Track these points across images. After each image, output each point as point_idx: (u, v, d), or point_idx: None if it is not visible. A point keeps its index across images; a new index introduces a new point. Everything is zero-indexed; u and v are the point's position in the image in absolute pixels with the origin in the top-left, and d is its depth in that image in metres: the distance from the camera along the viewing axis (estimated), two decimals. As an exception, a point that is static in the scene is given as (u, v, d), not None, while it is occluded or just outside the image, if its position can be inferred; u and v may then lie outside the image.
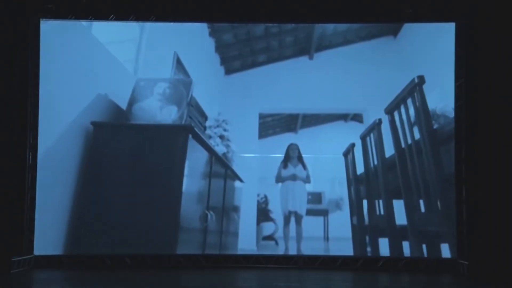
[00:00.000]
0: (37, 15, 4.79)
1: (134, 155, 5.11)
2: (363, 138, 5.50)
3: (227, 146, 5.67)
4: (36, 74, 4.75)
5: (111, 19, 4.89)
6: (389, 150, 5.40)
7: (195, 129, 5.29)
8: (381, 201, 5.36)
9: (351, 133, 5.49)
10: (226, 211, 5.66)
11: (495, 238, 4.24)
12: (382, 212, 5.34)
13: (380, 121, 5.40)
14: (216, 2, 4.87)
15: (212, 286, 4.21)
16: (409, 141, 5.22)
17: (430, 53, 5.11)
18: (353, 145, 5.46)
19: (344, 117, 5.65)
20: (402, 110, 5.30)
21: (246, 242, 5.40)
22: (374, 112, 5.43)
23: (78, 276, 4.37)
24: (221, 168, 5.77)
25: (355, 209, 5.45)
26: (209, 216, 5.37)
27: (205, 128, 5.71)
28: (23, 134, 4.70)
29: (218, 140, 5.67)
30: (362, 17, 4.96)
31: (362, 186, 5.49)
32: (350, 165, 5.52)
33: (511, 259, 4.06)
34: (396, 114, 5.36)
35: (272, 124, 5.79)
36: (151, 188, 5.04)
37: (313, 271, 4.77)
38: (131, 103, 5.29)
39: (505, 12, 4.31)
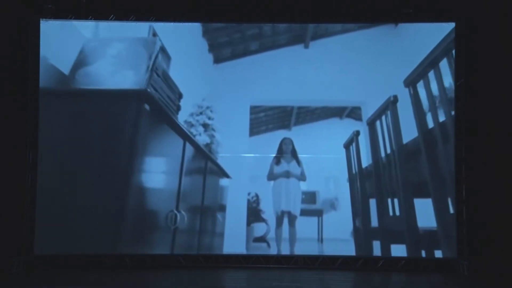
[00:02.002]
0: (37, 15, 4.79)
1: (70, 131, 4.37)
2: (371, 123, 4.95)
3: (212, 136, 5.05)
4: (36, 73, 4.75)
5: (111, 19, 4.89)
6: (406, 135, 4.70)
7: (155, 97, 4.34)
8: (395, 200, 4.74)
9: (346, 131, 5.13)
10: (207, 210, 5.16)
11: (495, 238, 4.25)
12: (397, 213, 4.74)
13: (395, 98, 4.76)
14: (217, 2, 4.86)
15: (212, 286, 4.21)
16: (442, 119, 4.52)
17: (433, 42, 4.82)
18: (357, 133, 4.96)
19: (339, 113, 5.25)
20: (431, 78, 4.55)
21: (234, 244, 5.03)
22: (374, 105, 5.05)
23: (78, 276, 4.36)
24: (199, 159, 5.07)
25: (359, 209, 4.96)
26: (178, 217, 4.73)
27: (178, 107, 4.95)
28: (22, 134, 4.69)
29: (201, 129, 5.02)
30: (362, 17, 4.95)
31: (368, 181, 4.91)
32: (353, 157, 5.02)
33: (511, 258, 4.07)
34: (421, 85, 4.62)
35: (265, 120, 5.38)
36: (91, 174, 4.33)
37: (313, 271, 4.76)
38: (75, 67, 4.44)
39: (505, 12, 4.31)
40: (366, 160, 5.09)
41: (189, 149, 5.05)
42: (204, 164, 5.14)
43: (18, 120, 4.65)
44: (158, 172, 4.81)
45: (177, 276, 4.57)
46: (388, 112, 4.85)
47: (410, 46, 4.96)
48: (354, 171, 5.04)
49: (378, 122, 4.96)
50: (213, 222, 5.22)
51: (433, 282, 4.44)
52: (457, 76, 4.76)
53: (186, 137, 4.89)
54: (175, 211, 4.78)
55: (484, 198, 4.41)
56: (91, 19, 4.87)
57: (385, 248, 4.83)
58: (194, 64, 5.25)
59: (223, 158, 5.19)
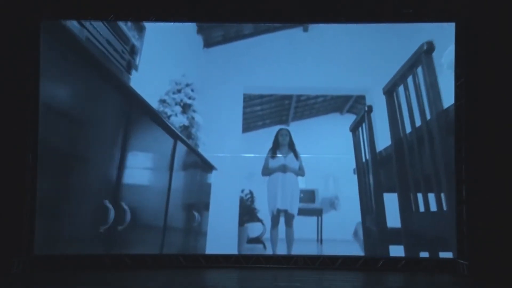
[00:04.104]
0: (37, 15, 4.79)
1: None
2: (390, 91, 4.04)
3: (191, 118, 4.44)
4: (36, 74, 4.75)
5: (111, 19, 4.89)
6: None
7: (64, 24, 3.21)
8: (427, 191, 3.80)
9: (347, 127, 4.73)
10: (176, 206, 4.53)
11: (495, 238, 4.25)
12: (433, 208, 3.89)
13: (430, 46, 3.79)
14: (217, 2, 4.86)
15: (212, 286, 4.21)
16: None
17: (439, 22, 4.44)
18: (369, 109, 4.28)
19: (340, 108, 4.84)
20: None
21: (222, 246, 4.66)
22: (379, 93, 4.54)
23: (78, 276, 4.36)
24: (164, 139, 4.23)
25: (370, 205, 4.29)
26: (112, 211, 3.83)
27: (129, 63, 4.19)
28: (23, 134, 4.70)
29: (178, 108, 4.38)
30: (362, 17, 4.95)
31: (384, 169, 4.11)
32: (363, 141, 4.37)
33: (511, 258, 4.07)
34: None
35: (261, 115, 4.95)
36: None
37: (313, 271, 4.76)
38: None
39: (505, 12, 4.32)
40: (383, 142, 4.36)
41: (145, 123, 4.20)
42: (172, 147, 4.36)
43: (18, 120, 4.66)
44: (78, 143, 3.89)
45: (177, 276, 4.57)
46: (418, 70, 3.80)
47: (417, 27, 4.60)
48: (364, 159, 4.37)
49: (401, 88, 4.03)
50: (187, 220, 4.66)
51: (433, 282, 4.44)
52: (457, 76, 4.75)
53: (136, 103, 3.95)
54: (108, 204, 3.97)
55: (484, 198, 4.41)
56: (91, 19, 4.87)
57: (411, 254, 4.20)
58: (181, 46, 4.76)
59: (201, 140, 4.64)
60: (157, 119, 4.30)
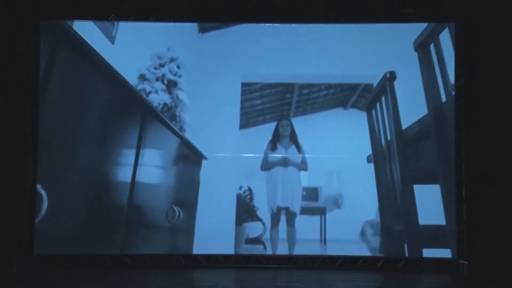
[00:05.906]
0: (37, 15, 4.79)
1: None
2: (424, 43, 3.07)
3: (175, 97, 3.92)
4: (36, 74, 4.75)
5: (111, 19, 4.89)
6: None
7: None
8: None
9: (350, 124, 4.48)
10: (153, 200, 4.09)
11: (495, 238, 4.25)
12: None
13: None
14: (217, 2, 4.86)
15: (212, 286, 4.21)
16: None
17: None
18: (391, 76, 3.55)
19: (343, 103, 4.57)
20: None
21: (219, 246, 4.41)
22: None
23: (78, 276, 4.36)
24: (127, 111, 3.53)
25: (394, 199, 3.68)
26: (43, 198, 2.82)
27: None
28: (22, 134, 4.70)
29: (159, 85, 3.87)
30: (362, 17, 4.94)
31: (413, 150, 3.31)
32: (382, 120, 3.75)
33: (511, 258, 4.07)
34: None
35: (261, 109, 4.65)
36: None
37: (313, 271, 4.76)
38: None
39: (505, 12, 4.32)
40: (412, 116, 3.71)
41: (95, 82, 3.38)
42: (139, 124, 3.70)
43: (18, 120, 4.66)
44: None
45: (177, 276, 4.57)
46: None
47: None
48: (383, 141, 3.74)
49: (444, 35, 3.06)
50: (165, 216, 4.33)
51: (433, 282, 4.44)
52: (457, 76, 4.75)
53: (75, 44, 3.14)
54: (40, 189, 3.04)
55: (484, 198, 4.41)
56: (91, 19, 4.87)
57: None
58: (174, 29, 4.43)
59: (186, 123, 4.26)
60: (116, 80, 3.51)
